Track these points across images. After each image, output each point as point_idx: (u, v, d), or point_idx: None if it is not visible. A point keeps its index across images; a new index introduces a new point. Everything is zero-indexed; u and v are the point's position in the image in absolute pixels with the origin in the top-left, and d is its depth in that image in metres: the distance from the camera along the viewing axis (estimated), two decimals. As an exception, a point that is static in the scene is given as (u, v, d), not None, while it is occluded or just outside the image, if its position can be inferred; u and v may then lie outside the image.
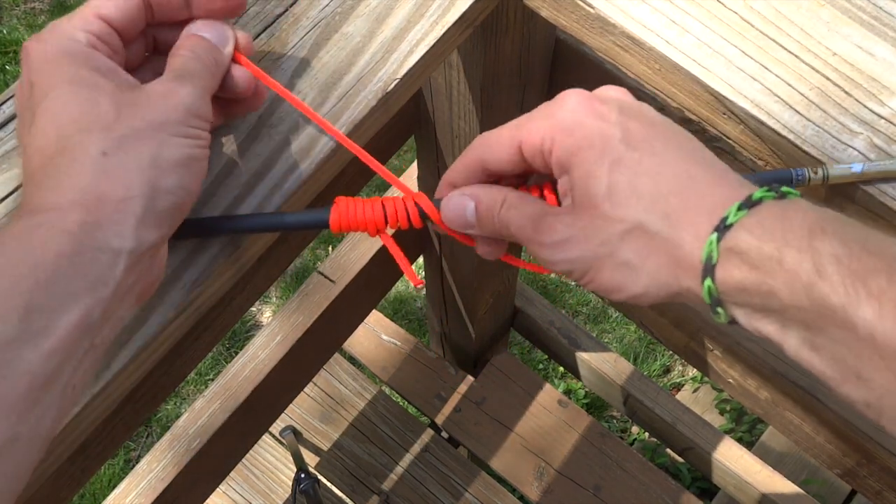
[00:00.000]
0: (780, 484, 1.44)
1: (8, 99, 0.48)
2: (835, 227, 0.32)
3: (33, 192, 0.35)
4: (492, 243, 0.44)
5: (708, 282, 0.34)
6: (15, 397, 0.30)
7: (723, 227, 0.34)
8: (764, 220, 0.34)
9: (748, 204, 0.34)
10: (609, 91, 0.41)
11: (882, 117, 0.46)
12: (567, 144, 0.38)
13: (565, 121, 0.39)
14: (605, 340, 2.31)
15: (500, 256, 0.45)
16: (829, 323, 0.31)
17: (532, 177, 0.45)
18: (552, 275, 2.37)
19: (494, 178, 0.43)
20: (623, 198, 0.37)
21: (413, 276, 0.45)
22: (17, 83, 0.42)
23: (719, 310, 0.35)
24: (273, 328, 1.04)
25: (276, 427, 1.56)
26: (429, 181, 1.00)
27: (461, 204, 0.42)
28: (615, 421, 2.21)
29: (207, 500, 1.14)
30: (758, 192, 0.35)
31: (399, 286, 2.33)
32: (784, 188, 0.36)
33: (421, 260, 1.30)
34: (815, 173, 0.44)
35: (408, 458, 1.56)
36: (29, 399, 0.31)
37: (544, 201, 0.42)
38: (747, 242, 0.33)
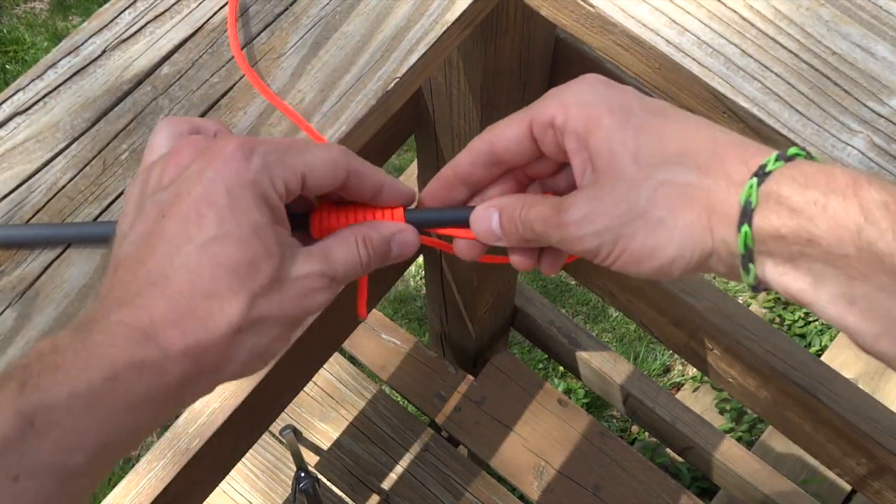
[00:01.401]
0: (780, 484, 1.44)
1: (8, 98, 0.48)
2: (878, 180, 0.32)
3: (141, 302, 0.34)
4: (524, 252, 0.43)
5: (745, 228, 0.33)
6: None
7: (762, 174, 0.33)
8: (805, 170, 0.33)
9: (784, 157, 0.34)
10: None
11: (882, 116, 0.46)
12: (584, 115, 0.37)
13: (581, 94, 0.38)
14: (605, 340, 2.31)
15: (535, 264, 0.43)
16: (876, 270, 0.30)
17: (533, 184, 0.44)
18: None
19: (501, 168, 0.42)
20: (650, 157, 0.36)
21: (363, 306, 0.45)
22: (165, 142, 0.39)
23: (750, 266, 0.34)
24: (273, 327, 1.03)
25: (276, 426, 1.56)
26: (428, 180, 1.00)
27: (486, 216, 0.41)
28: (615, 420, 2.21)
29: (207, 500, 1.14)
30: (792, 150, 0.34)
31: (399, 286, 2.33)
32: (814, 156, 0.35)
33: (421, 259, 1.30)
34: None
35: (408, 458, 1.56)
36: None
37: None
38: (789, 188, 0.32)
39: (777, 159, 0.34)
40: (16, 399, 0.30)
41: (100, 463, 0.32)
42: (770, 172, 0.33)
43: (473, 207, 0.42)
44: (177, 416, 1.02)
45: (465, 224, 0.42)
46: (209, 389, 0.36)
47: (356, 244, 0.40)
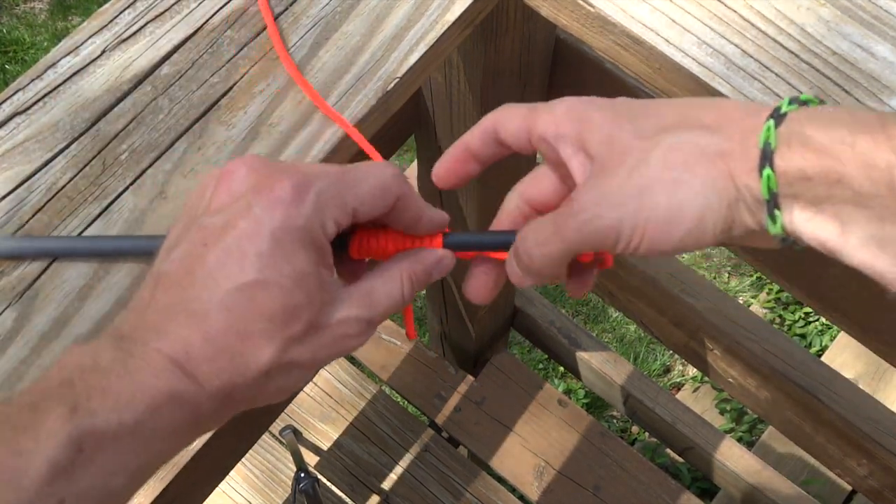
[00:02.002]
0: (781, 484, 1.44)
1: (7, 98, 0.48)
2: None
3: (179, 334, 0.34)
4: (571, 278, 0.41)
5: (767, 171, 0.31)
6: None
7: (777, 115, 0.32)
8: (825, 111, 0.32)
9: (798, 101, 0.33)
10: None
11: (882, 116, 0.46)
12: (574, 118, 0.37)
13: (573, 108, 0.37)
14: (605, 340, 2.31)
15: (590, 286, 0.42)
16: None
17: None
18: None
19: (504, 151, 0.41)
20: (652, 130, 0.35)
21: (411, 328, 0.44)
22: (221, 178, 0.37)
23: (776, 212, 0.32)
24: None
25: (276, 426, 1.56)
26: (429, 181, 1.00)
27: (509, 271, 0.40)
28: (615, 421, 2.21)
29: (207, 500, 1.13)
30: (803, 95, 0.33)
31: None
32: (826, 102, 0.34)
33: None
34: None
35: (408, 458, 1.56)
36: None
37: None
38: (812, 127, 0.31)
39: (790, 102, 0.32)
40: (67, 423, 0.30)
41: (133, 484, 0.33)
42: (786, 114, 0.32)
43: (513, 232, 0.40)
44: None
45: (503, 248, 0.41)
46: (233, 415, 0.37)
47: (401, 282, 0.39)
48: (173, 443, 0.34)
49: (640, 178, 0.34)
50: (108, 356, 0.33)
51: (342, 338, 0.37)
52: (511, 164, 0.93)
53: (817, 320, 2.29)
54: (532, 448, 1.55)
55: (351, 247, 0.41)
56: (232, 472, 1.53)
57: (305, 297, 0.35)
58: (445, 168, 0.42)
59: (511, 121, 0.40)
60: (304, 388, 1.57)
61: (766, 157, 0.32)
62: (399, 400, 1.73)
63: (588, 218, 0.35)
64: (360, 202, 0.37)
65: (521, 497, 1.61)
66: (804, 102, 0.33)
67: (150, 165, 0.47)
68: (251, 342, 0.34)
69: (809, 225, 0.32)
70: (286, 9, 0.52)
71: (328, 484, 1.55)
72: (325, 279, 0.36)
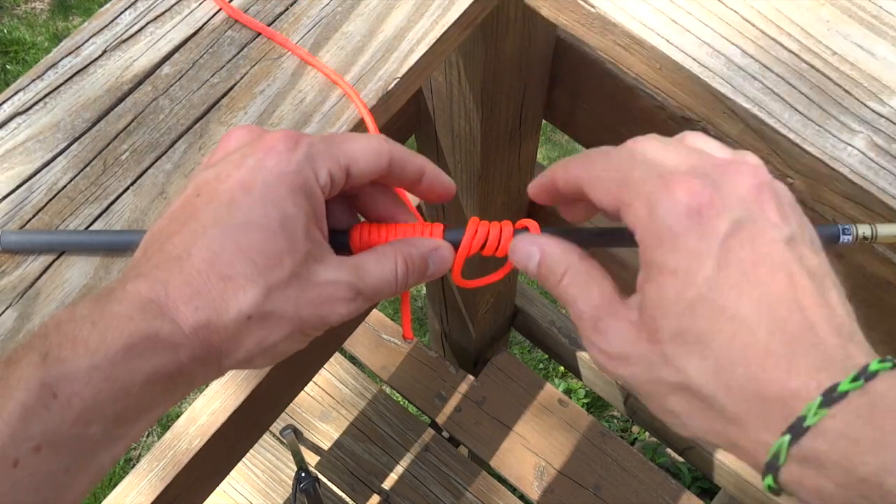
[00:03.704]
0: (781, 483, 1.44)
1: (8, 99, 0.48)
2: None
3: (159, 275, 0.34)
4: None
5: (769, 479, 0.30)
6: None
7: (799, 429, 0.28)
8: (851, 423, 0.28)
9: (829, 401, 0.28)
10: (735, 176, 0.33)
11: (882, 116, 0.46)
12: (648, 243, 0.33)
13: (655, 213, 0.32)
14: (606, 340, 2.31)
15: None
16: None
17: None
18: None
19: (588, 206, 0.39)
20: (687, 349, 0.31)
21: (408, 327, 0.44)
22: (238, 135, 0.39)
23: (772, 484, 0.30)
24: (273, 327, 1.03)
25: (277, 426, 1.56)
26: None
27: (526, 253, 0.39)
28: (616, 420, 2.21)
29: (208, 500, 1.14)
30: (844, 384, 0.28)
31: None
32: (877, 362, 0.29)
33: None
34: (862, 232, 0.39)
35: (408, 458, 1.56)
36: None
37: (611, 282, 0.37)
38: (827, 455, 0.28)
39: (821, 405, 0.28)
40: (38, 369, 0.30)
41: (113, 436, 0.32)
42: (808, 428, 0.28)
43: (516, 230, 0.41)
44: (177, 416, 1.02)
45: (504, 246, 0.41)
46: (218, 373, 0.36)
47: (395, 260, 0.39)
48: (155, 392, 0.33)
49: (651, 378, 0.34)
50: (86, 309, 0.33)
51: (328, 299, 0.37)
52: (512, 162, 0.93)
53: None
54: (532, 448, 1.55)
55: (351, 239, 0.41)
56: (233, 472, 1.53)
57: (289, 243, 0.35)
58: (532, 193, 0.41)
59: (602, 187, 0.36)
60: (305, 388, 1.57)
61: (771, 468, 0.30)
62: (400, 400, 1.73)
63: (605, 366, 0.36)
64: (352, 158, 0.38)
65: (522, 497, 1.61)
66: (842, 395, 0.28)
67: (150, 165, 0.47)
68: (232, 283, 0.34)
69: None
70: (286, 9, 0.52)
71: (329, 484, 1.55)
72: (313, 230, 0.37)
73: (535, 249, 0.38)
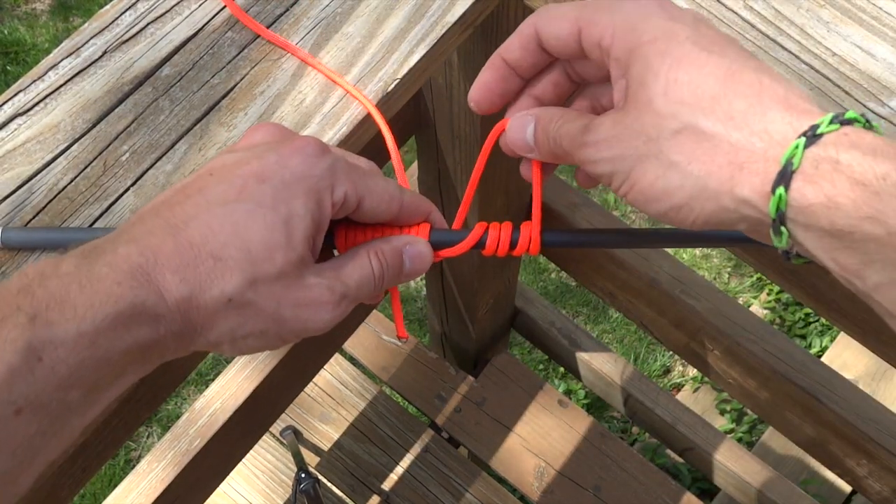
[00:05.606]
0: (781, 485, 1.44)
1: (8, 100, 0.48)
2: None
3: (151, 241, 0.34)
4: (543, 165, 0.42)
5: (780, 190, 0.30)
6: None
7: (812, 135, 0.30)
8: (869, 139, 0.29)
9: (841, 119, 0.30)
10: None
11: (882, 117, 0.46)
12: (628, 41, 0.35)
13: (630, 16, 0.35)
14: (605, 341, 2.31)
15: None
16: None
17: (582, 97, 0.42)
18: (552, 274, 2.36)
19: (547, 59, 0.40)
20: (681, 95, 0.33)
21: (401, 327, 0.45)
22: (268, 131, 0.39)
23: (783, 229, 0.31)
24: (273, 328, 1.03)
25: (277, 427, 1.56)
26: (428, 182, 1.00)
27: (522, 125, 0.39)
28: (615, 421, 2.21)
29: (208, 500, 1.14)
30: (849, 113, 0.30)
31: (399, 287, 2.32)
32: (873, 123, 0.31)
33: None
34: None
35: (408, 459, 1.56)
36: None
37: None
38: (850, 155, 0.29)
39: (832, 121, 0.30)
40: (25, 331, 0.30)
41: (88, 402, 0.32)
42: (822, 135, 0.30)
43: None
44: (177, 417, 1.02)
45: (483, 246, 0.42)
46: (185, 351, 0.36)
47: (368, 257, 0.39)
48: (132, 362, 0.33)
49: (644, 142, 0.34)
50: (71, 263, 0.32)
51: (312, 302, 0.37)
52: (512, 162, 0.93)
53: (818, 321, 2.29)
54: (532, 448, 1.55)
55: (337, 240, 0.42)
56: (233, 473, 1.53)
57: (287, 240, 0.35)
58: (481, 86, 0.41)
59: (557, 23, 0.38)
60: (305, 389, 1.57)
61: (784, 178, 0.30)
62: (399, 400, 1.73)
63: (592, 158, 0.36)
64: (368, 192, 0.38)
65: (522, 497, 1.61)
66: (848, 121, 0.30)
67: (151, 166, 0.47)
68: (221, 265, 0.34)
69: (821, 252, 0.31)
70: (287, 10, 0.52)
71: (329, 484, 1.55)
72: (311, 238, 0.37)
73: (530, 116, 0.39)
